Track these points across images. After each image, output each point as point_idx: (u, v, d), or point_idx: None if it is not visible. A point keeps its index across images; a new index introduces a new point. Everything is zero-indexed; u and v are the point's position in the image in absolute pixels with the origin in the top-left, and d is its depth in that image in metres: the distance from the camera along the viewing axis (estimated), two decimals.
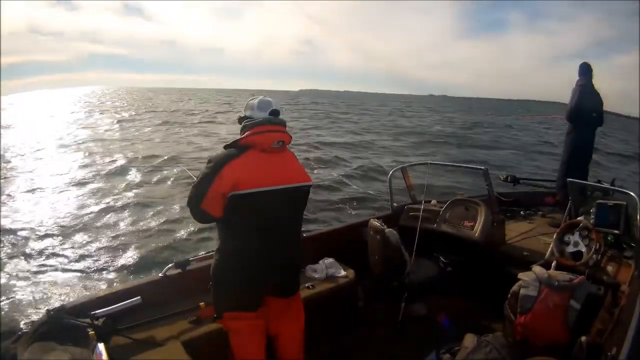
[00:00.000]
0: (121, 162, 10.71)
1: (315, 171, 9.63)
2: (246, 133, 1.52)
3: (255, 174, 1.46)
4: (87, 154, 12.03)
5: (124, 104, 42.66)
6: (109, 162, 10.80)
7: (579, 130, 3.77)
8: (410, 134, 18.67)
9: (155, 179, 9.21)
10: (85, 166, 10.48)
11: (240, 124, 1.60)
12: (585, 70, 3.77)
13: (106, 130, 18.04)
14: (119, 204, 7.38)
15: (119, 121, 21.83)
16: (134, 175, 9.47)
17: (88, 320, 1.67)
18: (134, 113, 27.77)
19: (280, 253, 1.56)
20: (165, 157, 11.08)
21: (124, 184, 8.79)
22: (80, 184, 8.86)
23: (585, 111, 3.70)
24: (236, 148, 1.51)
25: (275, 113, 1.58)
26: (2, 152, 11.62)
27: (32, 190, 8.36)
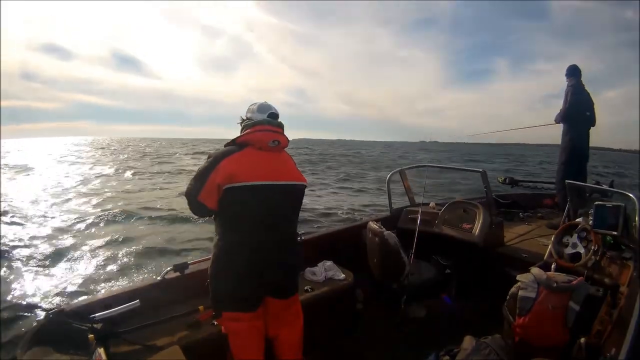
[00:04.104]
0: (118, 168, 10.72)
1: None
2: (245, 132, 1.59)
3: (250, 169, 1.51)
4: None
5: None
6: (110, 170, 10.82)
7: (574, 129, 3.78)
8: None
9: (153, 185, 9.22)
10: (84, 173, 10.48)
11: (241, 125, 1.67)
12: (574, 71, 3.79)
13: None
14: (118, 209, 7.38)
15: None
16: (132, 181, 9.48)
17: (87, 323, 1.67)
18: None
19: (275, 249, 1.58)
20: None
21: (122, 190, 8.80)
22: (80, 191, 8.87)
23: (579, 110, 3.73)
24: (235, 145, 1.58)
25: (274, 116, 1.66)
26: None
27: (32, 194, 8.36)
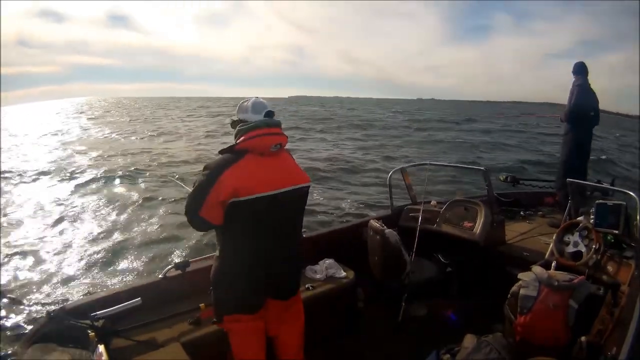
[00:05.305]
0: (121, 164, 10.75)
1: None
2: (242, 137, 1.48)
3: (254, 180, 1.42)
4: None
5: None
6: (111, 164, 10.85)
7: (577, 129, 3.78)
8: None
9: (153, 182, 9.22)
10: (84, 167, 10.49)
11: (234, 128, 1.55)
12: (581, 69, 3.79)
13: None
14: (118, 206, 7.38)
15: None
16: (133, 179, 9.48)
17: (88, 321, 1.67)
18: None
19: (281, 256, 1.55)
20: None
21: (123, 187, 8.80)
22: (81, 185, 8.88)
23: (584, 111, 3.73)
24: (232, 153, 1.46)
25: (270, 114, 1.55)
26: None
27: (32, 192, 8.37)
